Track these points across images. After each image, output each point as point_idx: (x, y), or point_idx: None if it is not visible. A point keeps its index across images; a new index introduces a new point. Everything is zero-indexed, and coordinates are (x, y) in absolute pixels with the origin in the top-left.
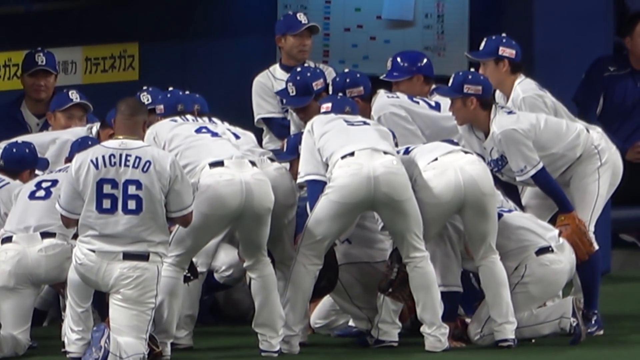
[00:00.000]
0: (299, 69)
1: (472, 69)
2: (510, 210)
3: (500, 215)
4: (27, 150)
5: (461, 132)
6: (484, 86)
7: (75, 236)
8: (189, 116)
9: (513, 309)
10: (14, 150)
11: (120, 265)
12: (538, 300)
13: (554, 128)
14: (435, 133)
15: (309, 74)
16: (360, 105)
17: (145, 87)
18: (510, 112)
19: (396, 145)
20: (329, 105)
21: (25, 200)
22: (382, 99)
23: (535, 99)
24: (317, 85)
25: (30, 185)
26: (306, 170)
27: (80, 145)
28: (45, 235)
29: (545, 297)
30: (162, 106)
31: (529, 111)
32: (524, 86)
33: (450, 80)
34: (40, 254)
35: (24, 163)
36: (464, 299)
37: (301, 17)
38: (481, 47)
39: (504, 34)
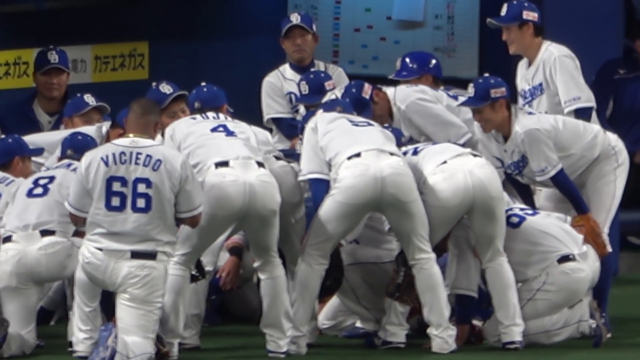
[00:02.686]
0: (312, 70)
1: (486, 74)
2: (535, 213)
3: (523, 219)
4: (9, 140)
5: (479, 136)
6: (506, 87)
7: (75, 233)
8: (210, 113)
9: (534, 315)
10: None
11: (128, 264)
12: (558, 307)
13: (572, 128)
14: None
15: (322, 75)
16: (381, 97)
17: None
18: (530, 113)
19: (403, 145)
20: (321, 111)
21: (24, 198)
22: (403, 90)
23: (569, 59)
24: (329, 85)
25: (28, 183)
26: (309, 169)
27: (71, 141)
28: (44, 233)
29: (565, 305)
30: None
31: (562, 70)
32: (557, 46)
33: (472, 90)
34: (40, 253)
35: (8, 152)
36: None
37: (293, 17)
38: (503, 13)
39: None
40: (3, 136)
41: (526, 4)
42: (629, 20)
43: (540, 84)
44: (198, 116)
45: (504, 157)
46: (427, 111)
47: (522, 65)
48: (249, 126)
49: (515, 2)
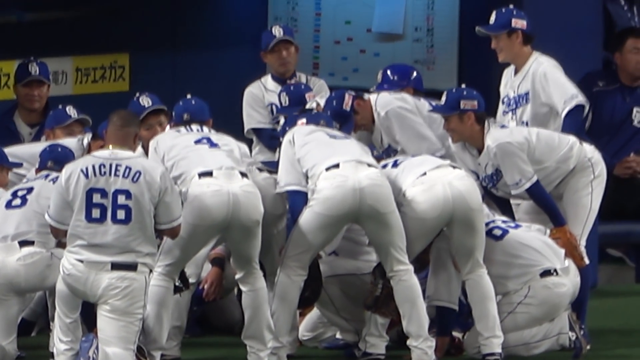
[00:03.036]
0: (292, 81)
1: (463, 85)
2: (517, 226)
3: (506, 232)
4: None
5: (454, 149)
6: (479, 101)
7: (57, 244)
8: (194, 126)
9: (514, 328)
10: None
11: (109, 276)
12: (539, 321)
13: (546, 141)
14: (440, 135)
15: (302, 87)
16: (362, 106)
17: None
18: (503, 126)
19: (377, 159)
20: (304, 120)
21: (3, 210)
22: (385, 96)
23: (559, 67)
24: (310, 97)
25: (7, 195)
26: (287, 181)
27: (51, 153)
28: (23, 243)
29: (546, 319)
30: (173, 114)
31: (552, 78)
32: (546, 58)
33: (444, 98)
34: (19, 263)
35: None
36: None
37: (276, 31)
38: (492, 21)
39: (511, 6)
40: None
41: (515, 12)
42: (608, 33)
43: (527, 93)
44: (182, 129)
45: (479, 170)
46: (405, 121)
47: (507, 71)
48: (233, 139)
49: (503, 10)
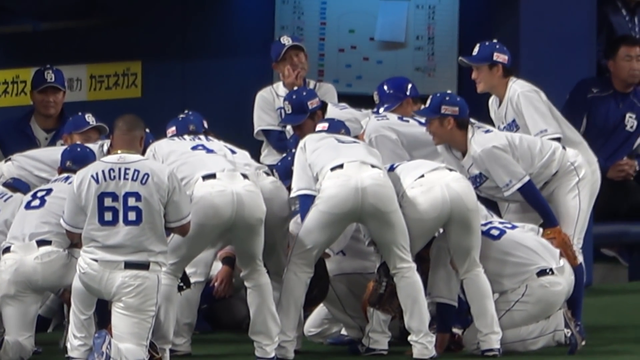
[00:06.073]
0: (295, 89)
1: (449, 90)
2: (513, 227)
3: (503, 232)
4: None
5: (440, 150)
6: (461, 107)
7: (73, 245)
8: (186, 136)
9: (510, 325)
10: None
11: (122, 274)
12: (535, 318)
13: (529, 145)
14: (424, 155)
15: (304, 93)
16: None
17: None
18: (487, 131)
19: None
20: (326, 125)
21: (22, 211)
22: (372, 122)
23: (532, 93)
24: (312, 104)
25: (27, 196)
26: (298, 186)
27: (70, 152)
28: (41, 243)
29: (542, 316)
30: (174, 128)
31: (527, 105)
32: (520, 83)
33: (428, 102)
34: (36, 262)
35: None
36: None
37: (284, 40)
38: (475, 52)
39: (495, 40)
40: None
41: (498, 46)
42: (608, 41)
43: (514, 120)
44: (176, 137)
45: (463, 172)
46: (385, 151)
47: (492, 103)
48: (229, 145)
49: (487, 43)
